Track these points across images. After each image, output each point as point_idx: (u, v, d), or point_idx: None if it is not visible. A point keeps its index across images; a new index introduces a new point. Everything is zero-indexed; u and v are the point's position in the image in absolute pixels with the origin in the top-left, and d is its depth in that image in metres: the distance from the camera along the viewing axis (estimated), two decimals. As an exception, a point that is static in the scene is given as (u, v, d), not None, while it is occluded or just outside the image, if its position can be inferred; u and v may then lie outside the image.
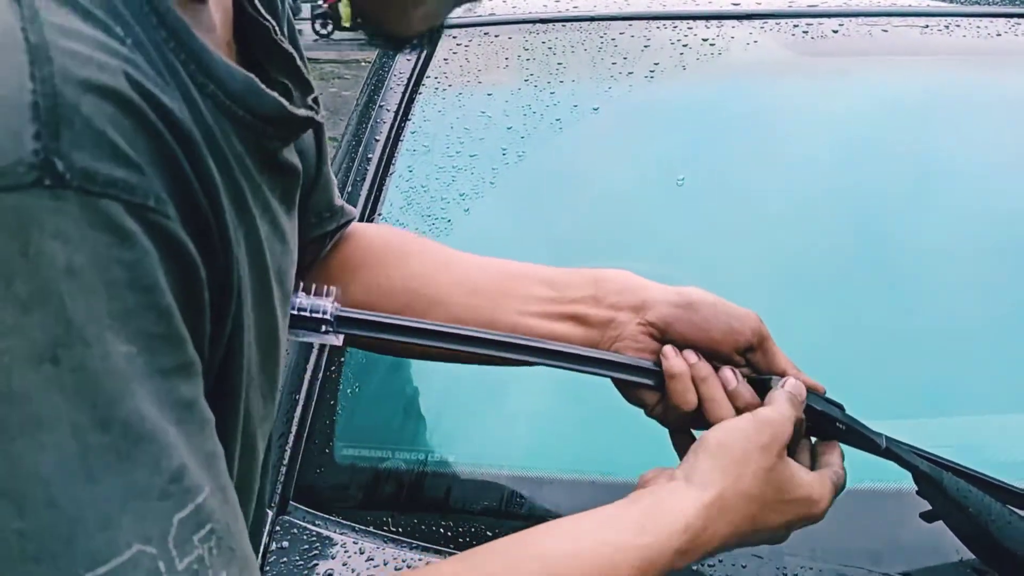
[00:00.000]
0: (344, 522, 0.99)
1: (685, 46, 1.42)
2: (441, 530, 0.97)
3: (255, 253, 0.55)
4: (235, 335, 0.52)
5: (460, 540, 0.95)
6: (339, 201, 0.83)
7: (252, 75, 0.53)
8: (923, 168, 1.37)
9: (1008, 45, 1.46)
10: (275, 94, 0.54)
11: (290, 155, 0.61)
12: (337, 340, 0.71)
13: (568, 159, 1.29)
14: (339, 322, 0.70)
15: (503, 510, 0.99)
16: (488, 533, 0.96)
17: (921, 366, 1.15)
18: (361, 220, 1.22)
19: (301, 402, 1.08)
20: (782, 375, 0.78)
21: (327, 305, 0.69)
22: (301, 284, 0.68)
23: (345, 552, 0.95)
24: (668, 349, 0.77)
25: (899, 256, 1.23)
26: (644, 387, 0.77)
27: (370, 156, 1.29)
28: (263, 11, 0.60)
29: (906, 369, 1.14)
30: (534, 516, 0.98)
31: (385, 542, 0.96)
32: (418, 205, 1.25)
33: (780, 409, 0.74)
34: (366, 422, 1.10)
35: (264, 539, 0.97)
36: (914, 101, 1.47)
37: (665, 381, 0.76)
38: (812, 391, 0.78)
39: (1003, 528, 0.82)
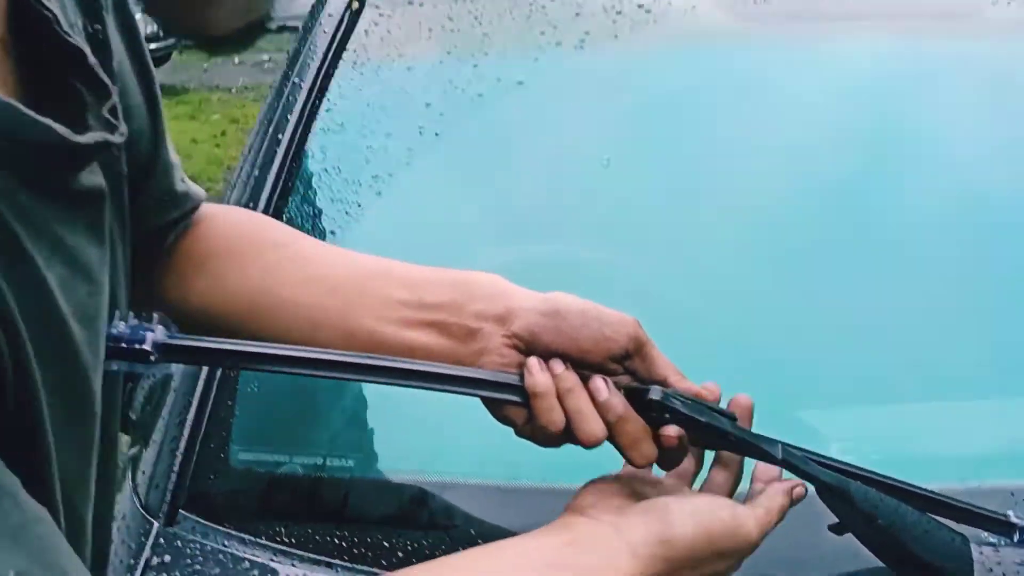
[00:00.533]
0: (234, 533, 0.93)
1: (619, 13, 1.34)
2: (336, 540, 0.91)
3: (37, 302, 0.48)
4: (20, 396, 0.47)
5: (356, 551, 0.90)
6: (182, 186, 0.76)
7: (10, 100, 0.46)
8: (874, 141, 1.31)
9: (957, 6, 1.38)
10: (46, 120, 0.47)
11: (91, 177, 0.54)
12: (168, 369, 0.65)
13: (489, 137, 1.22)
14: (164, 350, 0.63)
15: (403, 518, 0.93)
16: (385, 544, 0.90)
17: (867, 352, 1.09)
18: (269, 207, 1.16)
19: (195, 403, 1.02)
20: (663, 383, 0.72)
21: (149, 334, 0.62)
22: (118, 313, 0.61)
23: (233, 567, 0.89)
24: (532, 363, 0.70)
25: (839, 232, 1.16)
26: (511, 404, 0.71)
27: (280, 136, 1.21)
28: None
29: (856, 355, 1.09)
30: (436, 525, 0.93)
31: (276, 555, 0.90)
32: (328, 189, 1.18)
33: (762, 520, 0.69)
34: (266, 424, 1.04)
35: (146, 553, 0.92)
36: (865, 67, 1.40)
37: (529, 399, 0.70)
38: (699, 400, 0.71)
39: (920, 539, 0.76)
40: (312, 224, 1.16)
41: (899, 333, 1.05)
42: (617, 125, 1.23)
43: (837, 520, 0.76)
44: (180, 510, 0.96)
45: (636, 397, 0.70)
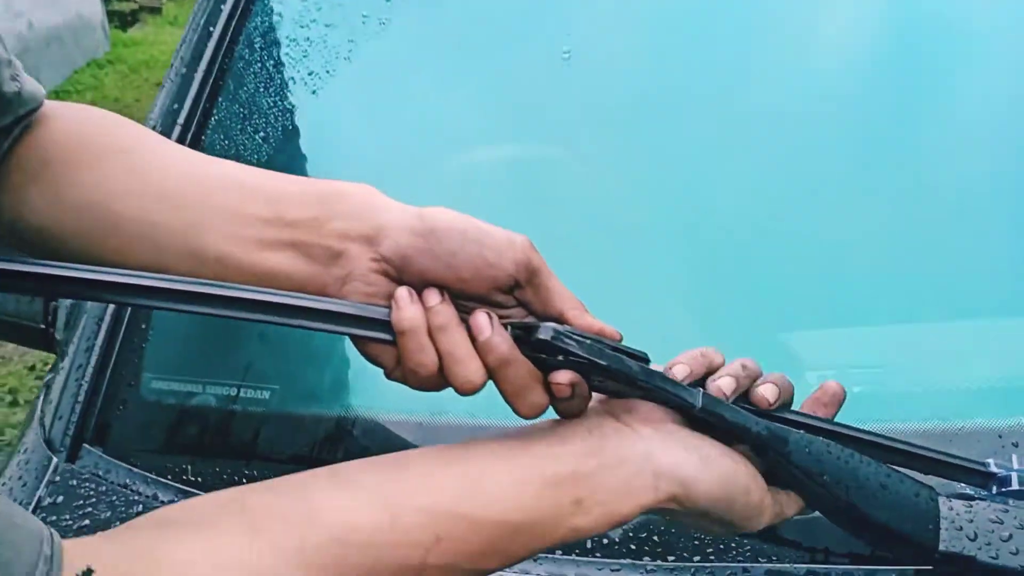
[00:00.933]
0: (137, 471, 0.86)
1: None
2: (244, 480, 0.83)
3: None
4: None
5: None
6: (12, 85, 0.64)
7: None
8: (870, 50, 1.15)
9: None
10: None
11: None
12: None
13: (440, 27, 1.09)
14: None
15: (317, 457, 0.85)
16: (295, 485, 0.82)
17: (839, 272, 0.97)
18: (194, 112, 1.05)
19: (105, 327, 0.94)
20: (558, 319, 0.62)
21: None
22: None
23: (127, 510, 0.82)
24: (400, 293, 0.58)
25: (824, 141, 1.03)
26: (380, 343, 0.60)
27: (211, 29, 1.10)
28: None
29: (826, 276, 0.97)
30: (350, 464, 0.84)
31: (179, 495, 0.83)
32: (259, 89, 1.07)
33: (780, 515, 0.64)
34: (182, 350, 0.96)
35: (40, 491, 0.85)
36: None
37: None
38: (603, 339, 0.60)
39: (875, 497, 0.65)
40: (241, 128, 1.05)
41: (886, 250, 0.93)
42: (580, 12, 1.09)
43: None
44: (84, 444, 0.89)
45: (521, 335, 0.59)
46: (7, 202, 0.66)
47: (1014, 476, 0.67)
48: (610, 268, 1.01)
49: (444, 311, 0.58)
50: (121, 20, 6.54)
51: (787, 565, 0.72)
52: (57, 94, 4.56)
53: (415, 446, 0.84)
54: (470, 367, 0.58)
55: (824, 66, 1.07)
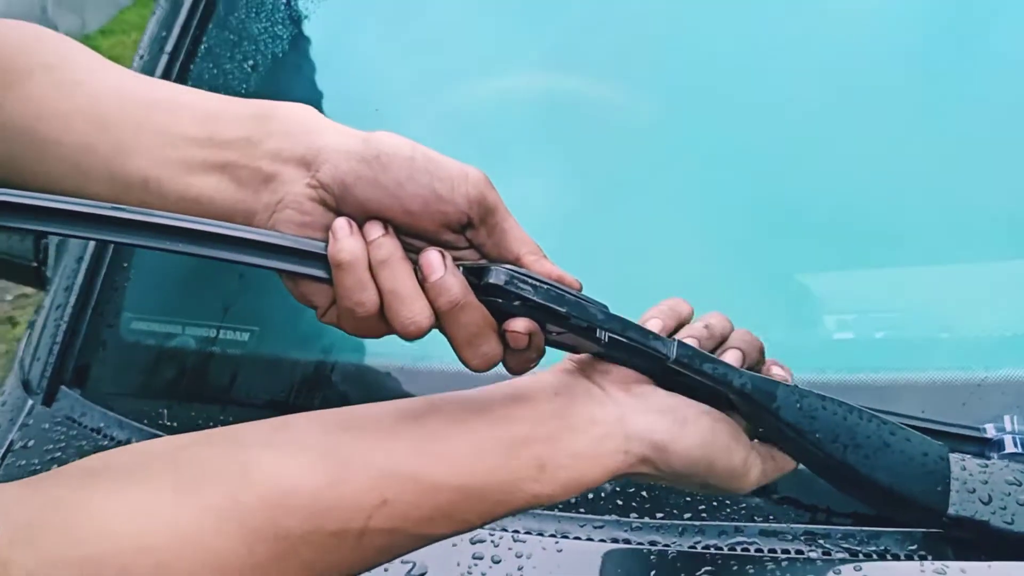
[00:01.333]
0: (112, 415, 0.82)
1: None
2: (219, 425, 0.80)
3: None
4: None
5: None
6: None
7: None
8: None
9: None
10: None
11: None
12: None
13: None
14: None
15: (292, 402, 0.81)
16: (271, 431, 0.78)
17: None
18: (182, 40, 1.00)
19: (85, 266, 0.90)
20: (514, 262, 0.56)
21: None
22: None
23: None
24: (339, 223, 0.52)
25: (859, 80, 0.94)
26: (312, 279, 0.54)
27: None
28: None
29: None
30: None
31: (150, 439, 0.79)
32: (253, 14, 1.02)
33: (768, 474, 0.60)
34: (162, 290, 0.92)
35: (12, 434, 0.82)
36: None
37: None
38: (559, 286, 0.54)
39: (874, 457, 0.59)
40: (230, 56, 1.00)
41: (911, 189, 0.85)
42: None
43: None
44: (63, 386, 0.86)
45: (476, 281, 0.54)
46: None
47: (1008, 439, 0.60)
48: (628, 206, 0.95)
49: (387, 244, 0.53)
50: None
51: (783, 525, 0.66)
52: (103, 33, 4.55)
53: (396, 392, 0.80)
54: (415, 307, 0.52)
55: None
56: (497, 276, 0.52)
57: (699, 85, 0.96)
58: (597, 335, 0.53)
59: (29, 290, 3.13)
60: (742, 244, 0.93)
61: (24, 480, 0.49)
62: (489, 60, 0.99)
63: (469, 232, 0.55)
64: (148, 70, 0.99)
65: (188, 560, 0.46)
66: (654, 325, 0.58)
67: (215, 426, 0.79)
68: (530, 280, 0.53)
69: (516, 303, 0.53)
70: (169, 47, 0.99)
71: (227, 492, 0.48)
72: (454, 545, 0.62)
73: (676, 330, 0.59)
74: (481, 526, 0.54)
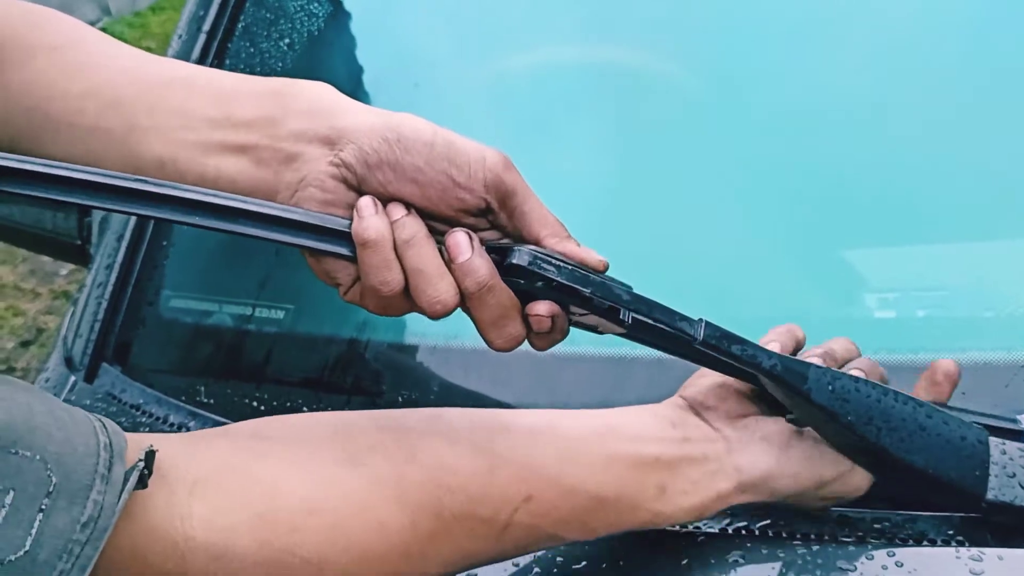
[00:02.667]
0: (150, 391, 0.84)
1: None
2: (254, 403, 0.81)
3: None
4: None
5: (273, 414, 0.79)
6: None
7: None
8: None
9: None
10: None
11: None
12: None
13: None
14: None
15: (327, 380, 0.81)
16: (305, 408, 0.79)
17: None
18: (220, 18, 1.00)
19: (126, 244, 0.91)
20: (536, 242, 0.54)
21: None
22: None
23: (137, 429, 0.80)
24: (364, 202, 0.52)
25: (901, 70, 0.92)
26: (336, 257, 0.53)
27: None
28: None
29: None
30: (362, 390, 0.81)
31: (190, 417, 0.81)
32: (287, -8, 1.02)
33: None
34: (201, 267, 0.93)
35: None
36: None
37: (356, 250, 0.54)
38: (582, 268, 0.53)
39: (909, 440, 0.58)
40: (267, 35, 1.01)
41: (955, 164, 0.82)
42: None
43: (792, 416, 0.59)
44: (104, 363, 0.88)
45: (499, 260, 0.53)
46: None
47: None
48: (670, 180, 0.94)
49: (411, 223, 0.52)
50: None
51: (817, 508, 0.65)
52: (153, 10, 4.60)
53: (430, 371, 0.80)
54: (440, 286, 0.52)
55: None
56: (520, 257, 0.52)
57: (744, 58, 0.94)
58: (621, 316, 0.53)
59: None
60: (783, 220, 0.91)
61: (187, 435, 0.52)
62: (529, 31, 0.98)
63: (490, 216, 0.54)
64: (186, 50, 1.00)
65: (358, 526, 0.50)
66: (774, 347, 0.59)
67: (252, 404, 0.81)
68: (553, 261, 0.52)
69: (539, 284, 0.52)
70: (207, 26, 1.00)
71: (395, 468, 0.52)
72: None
73: (794, 353, 0.62)
74: (604, 535, 0.57)
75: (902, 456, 0.58)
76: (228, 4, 1.01)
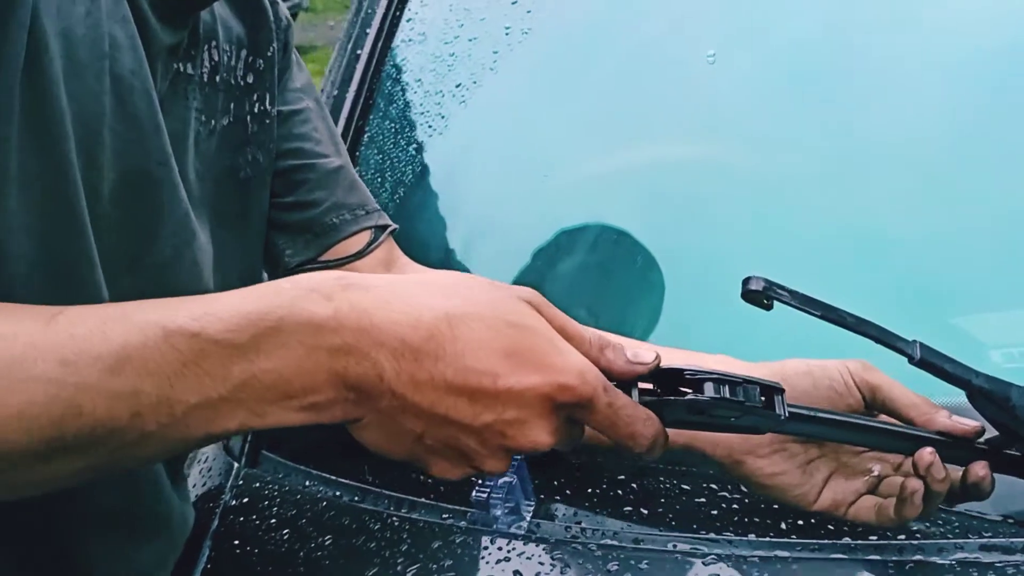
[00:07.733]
0: (315, 473, 0.86)
1: None
2: (422, 477, 0.83)
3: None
4: None
5: (442, 488, 0.82)
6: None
7: None
8: None
9: None
10: None
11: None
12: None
13: (582, 34, 1.10)
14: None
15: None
16: (474, 480, 0.81)
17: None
18: (349, 127, 1.08)
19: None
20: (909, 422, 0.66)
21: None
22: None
23: (312, 507, 0.83)
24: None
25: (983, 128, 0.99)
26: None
27: (359, 52, 1.13)
28: None
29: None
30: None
31: (359, 494, 0.83)
32: (410, 102, 1.09)
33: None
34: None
35: (226, 496, 0.86)
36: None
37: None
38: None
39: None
40: (393, 141, 1.08)
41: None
42: (723, 16, 1.09)
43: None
44: (262, 451, 0.91)
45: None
46: None
47: None
48: (772, 266, 0.99)
49: None
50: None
51: (1003, 540, 0.68)
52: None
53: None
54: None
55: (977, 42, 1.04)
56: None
57: (841, 146, 1.01)
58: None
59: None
60: (895, 294, 0.96)
61: None
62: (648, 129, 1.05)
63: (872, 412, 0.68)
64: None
65: None
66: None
67: (417, 479, 0.83)
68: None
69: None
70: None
71: None
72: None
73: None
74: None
75: None
76: (353, 117, 1.08)
